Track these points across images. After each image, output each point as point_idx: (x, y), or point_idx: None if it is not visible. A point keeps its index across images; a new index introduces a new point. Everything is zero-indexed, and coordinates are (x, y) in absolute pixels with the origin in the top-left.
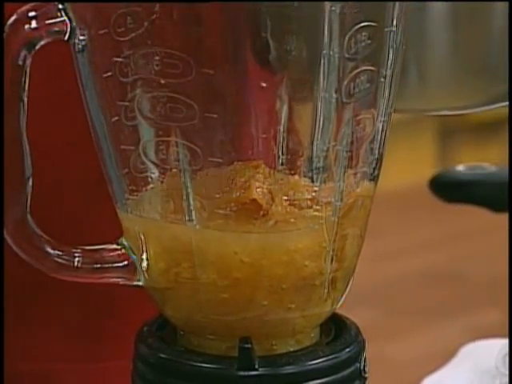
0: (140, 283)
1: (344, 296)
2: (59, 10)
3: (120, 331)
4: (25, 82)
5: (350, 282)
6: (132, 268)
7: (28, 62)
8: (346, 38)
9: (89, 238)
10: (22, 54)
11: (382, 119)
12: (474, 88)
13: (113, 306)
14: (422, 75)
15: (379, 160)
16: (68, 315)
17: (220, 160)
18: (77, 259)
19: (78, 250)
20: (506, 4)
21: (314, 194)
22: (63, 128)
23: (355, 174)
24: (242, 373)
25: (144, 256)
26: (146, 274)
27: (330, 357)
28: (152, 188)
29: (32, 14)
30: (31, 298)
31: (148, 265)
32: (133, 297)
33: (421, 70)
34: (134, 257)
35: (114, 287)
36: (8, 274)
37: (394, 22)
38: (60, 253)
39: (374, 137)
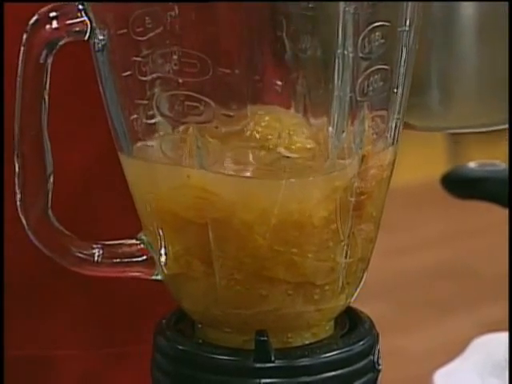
0: (159, 277)
1: (358, 290)
2: (79, 10)
3: (129, 317)
4: (46, 81)
5: (364, 276)
6: (151, 263)
7: (49, 61)
8: (360, 38)
9: (108, 233)
10: (44, 53)
11: (396, 117)
12: (499, 104)
13: (122, 291)
14: (446, 93)
15: (392, 157)
16: (76, 301)
17: (236, 157)
18: (97, 254)
19: (98, 245)
20: None
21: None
22: (82, 125)
23: (369, 170)
24: (258, 365)
25: (162, 251)
26: (164, 269)
27: (344, 349)
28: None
29: (53, 14)
30: (40, 284)
31: (166, 256)
32: (144, 283)
33: (445, 87)
34: (153, 251)
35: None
36: (16, 261)
37: (407, 22)
38: (80, 248)
39: (388, 135)
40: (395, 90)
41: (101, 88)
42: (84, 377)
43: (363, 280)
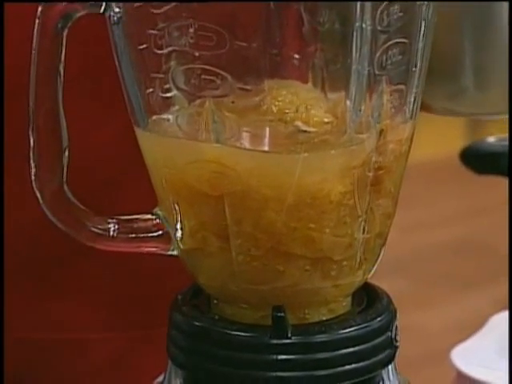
0: (174, 253)
1: (376, 266)
2: None
3: (155, 300)
4: (61, 54)
5: (382, 252)
6: (167, 238)
7: (64, 33)
8: (378, 11)
9: (124, 207)
10: (59, 26)
11: (414, 91)
12: None
13: (147, 273)
14: (479, 79)
15: (411, 132)
16: (100, 282)
17: (253, 131)
18: (112, 229)
19: (114, 220)
20: None
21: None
22: (98, 98)
23: (387, 144)
24: (275, 341)
25: (178, 226)
26: (180, 244)
27: (361, 326)
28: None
29: None
30: (61, 265)
31: (182, 232)
32: (167, 264)
33: (479, 73)
34: (169, 226)
35: (148, 255)
36: (38, 241)
37: None
38: (96, 223)
39: (406, 109)
40: (414, 64)
41: (116, 62)
42: (110, 360)
43: (381, 256)
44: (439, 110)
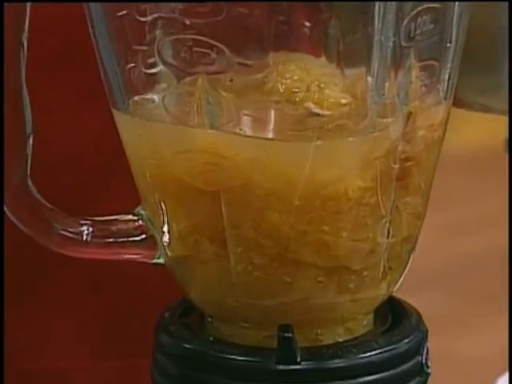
0: (160, 261)
1: (402, 276)
2: None
3: (143, 324)
4: (24, 24)
5: (411, 260)
6: (151, 243)
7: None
8: None
9: (100, 206)
10: None
11: (449, 66)
12: None
13: (135, 294)
14: None
15: (445, 115)
16: (83, 306)
17: (255, 114)
18: (86, 232)
19: (88, 222)
20: None
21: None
22: (71, 83)
23: (416, 131)
24: (281, 367)
25: (165, 228)
26: (167, 250)
27: (385, 349)
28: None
29: None
30: (40, 287)
31: (170, 235)
32: (159, 282)
33: None
34: (154, 229)
35: (137, 271)
36: (15, 257)
37: None
38: (66, 225)
39: (440, 88)
40: (448, 35)
41: (91, 32)
42: None
43: (409, 264)
44: (471, 105)
